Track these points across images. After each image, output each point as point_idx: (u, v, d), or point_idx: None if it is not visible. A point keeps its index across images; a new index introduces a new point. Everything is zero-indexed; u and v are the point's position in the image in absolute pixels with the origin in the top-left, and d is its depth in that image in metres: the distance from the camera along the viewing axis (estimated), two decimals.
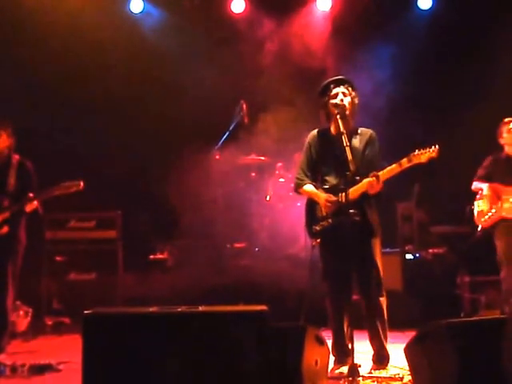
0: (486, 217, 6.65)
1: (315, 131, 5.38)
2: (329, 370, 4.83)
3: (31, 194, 6.15)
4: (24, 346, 6.73)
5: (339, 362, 5.11)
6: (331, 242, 5.12)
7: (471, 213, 6.85)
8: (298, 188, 5.35)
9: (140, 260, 8.50)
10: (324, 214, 5.13)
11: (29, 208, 6.22)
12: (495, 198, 6.61)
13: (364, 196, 5.04)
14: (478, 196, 6.80)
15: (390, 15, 9.33)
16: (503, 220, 6.57)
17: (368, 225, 5.12)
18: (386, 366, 5.11)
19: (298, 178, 5.35)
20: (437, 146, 4.96)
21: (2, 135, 6.25)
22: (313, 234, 5.25)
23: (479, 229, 6.76)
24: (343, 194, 4.92)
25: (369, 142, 5.22)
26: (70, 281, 7.98)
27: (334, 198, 5.07)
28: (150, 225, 8.95)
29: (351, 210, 4.87)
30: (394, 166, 4.97)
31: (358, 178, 4.98)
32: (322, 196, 5.13)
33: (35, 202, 6.25)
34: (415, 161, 4.95)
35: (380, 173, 4.96)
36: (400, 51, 9.02)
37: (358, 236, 4.91)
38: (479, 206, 6.73)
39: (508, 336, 3.76)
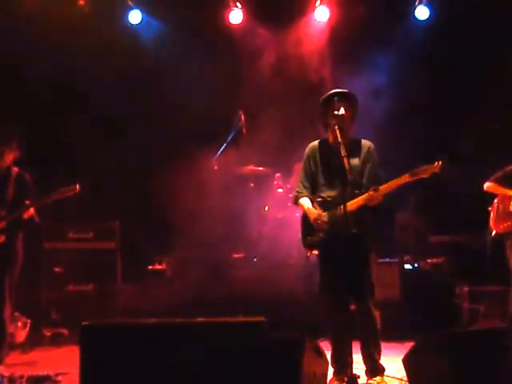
0: (506, 224, 6.52)
1: (316, 142, 5.39)
2: (328, 382, 4.82)
3: (28, 202, 6.18)
4: (22, 358, 6.72)
5: (338, 373, 5.08)
6: (329, 252, 5.13)
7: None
8: (295, 201, 5.40)
9: (138, 271, 8.48)
10: (320, 225, 5.13)
11: (26, 215, 6.23)
12: None
13: (362, 208, 5.04)
14: (497, 199, 6.69)
15: (387, 25, 9.35)
16: None
17: (367, 236, 5.13)
18: (382, 376, 5.10)
19: (296, 191, 5.39)
20: (440, 162, 4.95)
21: (4, 151, 6.29)
22: (307, 245, 5.27)
23: (493, 233, 6.65)
24: (341, 206, 4.92)
25: (368, 154, 5.23)
26: (68, 292, 7.96)
27: (324, 219, 5.09)
28: (148, 236, 8.93)
29: (348, 222, 4.88)
30: (395, 180, 4.98)
31: (357, 191, 5.02)
32: (313, 213, 5.16)
33: (31, 210, 6.27)
34: (418, 176, 4.96)
35: (381, 186, 4.97)
36: (397, 61, 9.05)
37: (355, 247, 4.93)
38: (498, 210, 6.59)
39: (507, 346, 3.75)
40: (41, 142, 8.82)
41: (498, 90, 8.64)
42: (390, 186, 4.98)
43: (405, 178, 4.97)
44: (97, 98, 9.23)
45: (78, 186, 6.24)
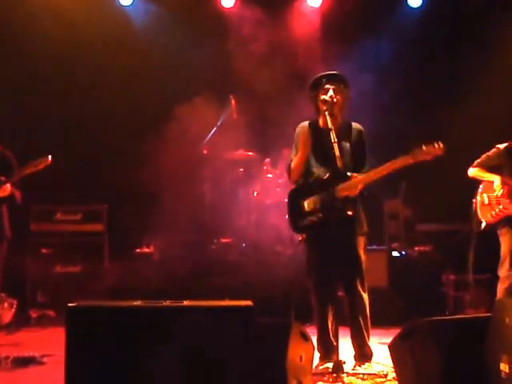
0: (493, 212, 6.42)
1: (306, 123, 5.28)
2: (313, 366, 4.84)
3: (2, 178, 6.12)
4: (8, 339, 6.68)
5: (324, 358, 5.07)
6: (317, 237, 5.06)
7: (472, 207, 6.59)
8: (289, 171, 5.26)
9: (126, 254, 8.47)
10: (313, 208, 5.05)
11: (2, 193, 6.19)
12: (505, 193, 6.34)
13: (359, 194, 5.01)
14: (481, 187, 6.50)
15: (379, 12, 9.33)
16: (510, 218, 6.26)
17: (357, 221, 5.11)
18: (370, 362, 5.11)
19: (288, 164, 5.27)
20: (441, 145, 4.80)
21: None
22: (298, 229, 5.21)
23: (483, 225, 6.52)
24: (333, 189, 4.90)
25: (358, 138, 5.19)
26: (55, 273, 7.93)
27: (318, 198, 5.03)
28: (136, 219, 8.91)
29: (341, 206, 4.87)
30: (394, 161, 4.83)
31: (349, 174, 4.94)
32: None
33: (8, 186, 6.22)
34: (419, 158, 4.78)
35: (377, 168, 4.87)
36: (390, 48, 9.04)
37: (345, 232, 4.88)
38: (485, 199, 6.33)
39: (492, 334, 3.77)
40: (25, 124, 8.78)
41: (487, 78, 8.66)
42: (388, 168, 4.84)
43: (406, 160, 4.79)
44: (85, 81, 9.18)
45: (49, 158, 6.18)
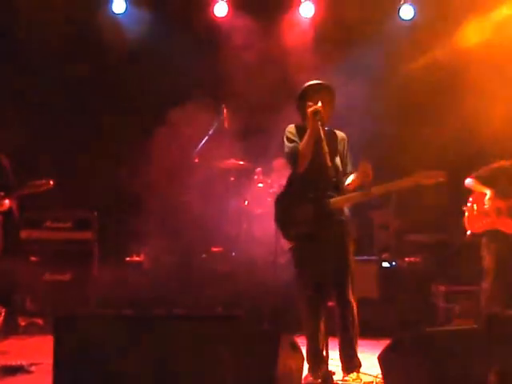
0: (480, 224, 6.53)
1: (293, 125, 5.27)
2: (303, 377, 4.83)
3: (1, 194, 6.11)
4: None
5: (313, 369, 5.05)
6: (309, 246, 5.03)
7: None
8: (295, 156, 5.11)
9: (116, 262, 8.43)
10: (305, 218, 5.03)
11: (0, 208, 6.18)
12: (494, 207, 6.51)
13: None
14: (472, 198, 6.70)
15: (372, 23, 9.36)
16: (495, 231, 6.49)
17: (348, 226, 5.12)
18: (358, 372, 5.08)
19: (292, 149, 5.14)
20: (442, 173, 4.79)
21: None
22: (289, 237, 5.19)
23: (468, 233, 6.65)
24: (328, 200, 4.94)
25: (343, 146, 5.25)
26: (44, 281, 7.88)
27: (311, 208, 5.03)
28: (126, 227, 8.88)
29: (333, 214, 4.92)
30: (394, 183, 4.89)
31: (340, 185, 5.00)
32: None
33: (6, 202, 6.20)
34: (421, 182, 4.77)
35: (376, 188, 4.89)
36: (381, 58, 9.07)
37: (337, 239, 4.93)
38: (474, 209, 6.61)
39: (480, 346, 3.78)
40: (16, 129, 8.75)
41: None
42: (387, 188, 4.90)
43: (406, 182, 4.83)
44: (76, 86, 9.17)
45: (51, 182, 6.20)
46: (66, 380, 3.41)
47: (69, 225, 8.11)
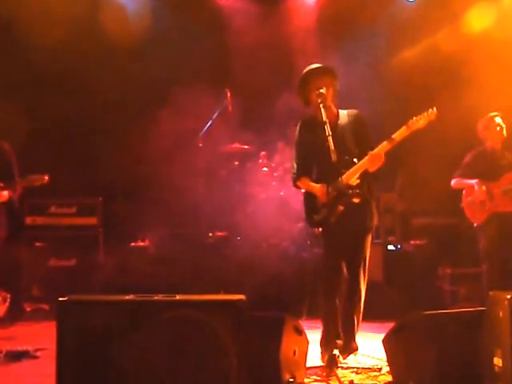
0: (481, 214, 6.60)
1: (304, 120, 5.34)
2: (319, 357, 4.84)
3: (1, 184, 6.14)
4: (1, 333, 6.65)
5: (326, 349, 5.00)
6: (330, 230, 5.05)
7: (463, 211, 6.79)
8: (294, 183, 5.32)
9: (121, 247, 8.44)
10: (322, 202, 5.05)
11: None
12: (486, 193, 6.54)
13: (363, 181, 5.01)
14: (464, 193, 6.76)
15: (376, 6, 9.29)
16: (495, 214, 6.55)
17: (368, 214, 5.14)
18: (355, 355, 5.11)
19: (293, 173, 5.32)
20: (435, 109, 4.94)
21: None
22: (314, 224, 5.21)
23: (475, 225, 6.70)
24: (341, 178, 4.93)
25: (357, 122, 5.21)
26: (49, 267, 7.91)
27: (325, 186, 5.01)
28: (131, 212, 8.89)
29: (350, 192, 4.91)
30: (392, 136, 4.93)
31: (355, 160, 4.98)
32: (315, 187, 5.10)
33: (5, 193, 6.24)
34: (414, 127, 4.91)
35: (376, 148, 4.91)
36: (386, 42, 9.02)
37: (356, 227, 5.01)
38: (471, 203, 6.68)
39: (485, 329, 3.77)
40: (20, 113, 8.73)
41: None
42: (388, 145, 4.91)
43: (403, 133, 4.91)
44: (79, 73, 9.14)
45: (46, 177, 6.25)
46: (69, 364, 3.42)
47: (74, 210, 8.12)
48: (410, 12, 9.37)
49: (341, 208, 4.92)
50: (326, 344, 5.06)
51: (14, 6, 8.60)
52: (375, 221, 5.25)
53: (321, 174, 5.12)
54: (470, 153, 6.80)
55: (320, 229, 5.16)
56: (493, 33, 8.50)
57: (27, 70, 8.97)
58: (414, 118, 4.94)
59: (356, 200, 4.96)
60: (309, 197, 5.21)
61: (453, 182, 6.80)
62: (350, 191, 4.92)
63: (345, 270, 5.11)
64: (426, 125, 4.93)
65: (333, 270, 5.10)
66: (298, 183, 5.26)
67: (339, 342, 4.94)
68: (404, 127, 4.92)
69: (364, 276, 5.13)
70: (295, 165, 5.30)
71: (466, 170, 6.72)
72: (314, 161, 5.19)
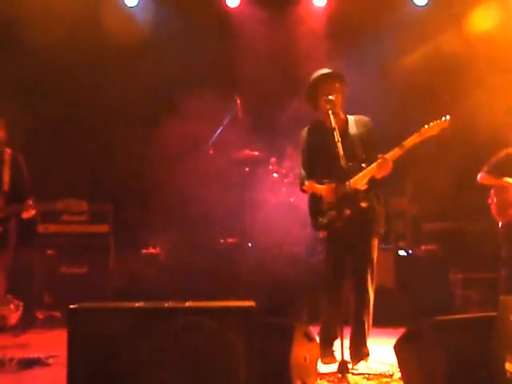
0: (508, 214, 6.53)
1: (311, 125, 5.35)
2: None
3: (30, 202, 6.13)
4: (14, 340, 6.67)
5: (324, 354, 5.05)
6: (336, 232, 5.00)
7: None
8: (301, 187, 5.33)
9: (132, 254, 8.46)
10: (328, 205, 5.05)
11: (26, 215, 6.21)
12: None
13: (371, 186, 5.02)
14: (493, 191, 6.68)
15: (385, 11, 9.29)
16: None
17: (375, 219, 5.12)
18: (366, 361, 5.08)
19: (300, 178, 5.33)
20: (448, 117, 4.95)
21: None
22: (319, 227, 5.20)
23: (500, 225, 6.64)
24: (348, 182, 4.93)
25: (365, 129, 5.22)
26: (61, 274, 7.92)
27: (332, 186, 5.00)
28: (142, 220, 8.90)
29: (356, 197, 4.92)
30: (403, 143, 4.94)
31: (363, 165, 4.99)
32: (321, 187, 5.10)
33: (33, 211, 6.24)
34: (426, 134, 4.92)
35: (388, 154, 4.93)
36: (395, 47, 9.01)
37: (362, 231, 4.99)
38: (503, 201, 6.60)
39: (497, 334, 3.75)
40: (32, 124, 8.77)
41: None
42: (398, 152, 4.93)
43: (414, 139, 4.93)
44: (90, 80, 9.17)
45: (86, 205, 6.22)
46: (79, 372, 3.43)
47: (85, 218, 8.12)
48: (418, 16, 9.35)
49: (347, 212, 4.88)
50: (323, 345, 5.06)
51: (14, 6, 8.63)
52: (383, 226, 5.23)
53: (328, 179, 5.10)
54: (502, 152, 6.72)
55: (324, 232, 5.16)
56: (499, 36, 8.47)
57: (36, 77, 9.01)
58: (427, 125, 4.94)
59: (364, 204, 4.96)
60: (314, 199, 5.21)
61: (479, 176, 6.74)
62: (358, 195, 4.92)
63: (350, 274, 5.12)
64: (439, 132, 4.93)
65: (334, 275, 5.12)
66: (304, 187, 5.27)
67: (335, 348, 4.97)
68: (416, 134, 4.94)
69: (372, 280, 5.11)
70: (301, 169, 5.31)
71: (493, 168, 6.66)
72: (320, 165, 5.19)
